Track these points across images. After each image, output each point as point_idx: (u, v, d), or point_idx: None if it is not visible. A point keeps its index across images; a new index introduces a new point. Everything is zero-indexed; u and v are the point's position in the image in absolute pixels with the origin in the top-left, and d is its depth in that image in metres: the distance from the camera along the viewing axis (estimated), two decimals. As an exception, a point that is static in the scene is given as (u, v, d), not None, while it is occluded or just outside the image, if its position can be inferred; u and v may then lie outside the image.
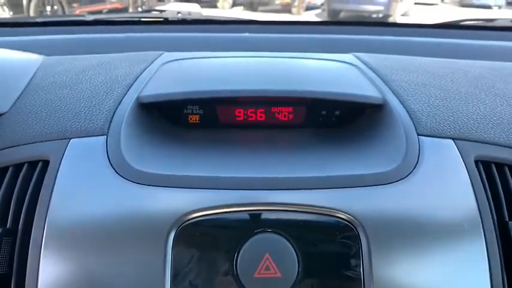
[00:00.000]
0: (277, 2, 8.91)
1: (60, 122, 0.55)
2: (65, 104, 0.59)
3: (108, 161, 0.50)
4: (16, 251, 0.47)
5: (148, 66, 0.69)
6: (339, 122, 0.62)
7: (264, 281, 0.44)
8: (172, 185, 0.47)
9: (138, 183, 0.48)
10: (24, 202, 0.49)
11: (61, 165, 0.49)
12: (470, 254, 0.46)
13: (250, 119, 0.62)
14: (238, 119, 0.62)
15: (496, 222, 0.48)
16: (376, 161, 0.51)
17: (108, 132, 0.53)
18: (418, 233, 0.46)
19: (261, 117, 0.62)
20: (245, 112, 0.62)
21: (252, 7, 9.41)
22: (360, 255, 0.45)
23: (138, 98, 0.58)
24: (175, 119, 0.61)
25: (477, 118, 0.57)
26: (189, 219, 0.46)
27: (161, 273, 0.44)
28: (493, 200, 0.50)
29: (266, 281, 0.44)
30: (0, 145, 0.54)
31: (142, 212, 0.46)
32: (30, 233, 0.47)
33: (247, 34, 1.08)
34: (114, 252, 0.45)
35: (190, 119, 0.62)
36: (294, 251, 0.45)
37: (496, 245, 0.47)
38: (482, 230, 0.47)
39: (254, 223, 0.46)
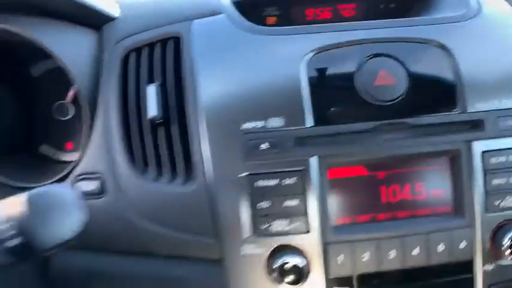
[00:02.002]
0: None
1: (175, 11, 0.64)
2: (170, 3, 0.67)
3: (234, 27, 0.60)
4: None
5: None
6: (397, 11, 0.72)
7: (382, 88, 0.55)
8: (302, 32, 0.59)
9: (270, 35, 0.58)
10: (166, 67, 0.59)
11: (192, 37, 0.59)
12: None
13: (318, 17, 0.73)
14: (308, 18, 0.73)
15: None
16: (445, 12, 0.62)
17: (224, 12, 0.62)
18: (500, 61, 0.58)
19: (327, 15, 0.73)
20: (314, 11, 0.72)
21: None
22: (453, 68, 0.56)
23: None
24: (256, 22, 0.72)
25: None
26: (318, 52, 0.57)
27: (299, 90, 0.55)
28: None
29: (383, 88, 0.55)
30: (121, 35, 0.63)
31: (281, 50, 0.57)
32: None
33: None
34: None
35: (268, 20, 0.73)
36: (403, 67, 0.56)
37: None
38: None
39: (367, 52, 0.57)
